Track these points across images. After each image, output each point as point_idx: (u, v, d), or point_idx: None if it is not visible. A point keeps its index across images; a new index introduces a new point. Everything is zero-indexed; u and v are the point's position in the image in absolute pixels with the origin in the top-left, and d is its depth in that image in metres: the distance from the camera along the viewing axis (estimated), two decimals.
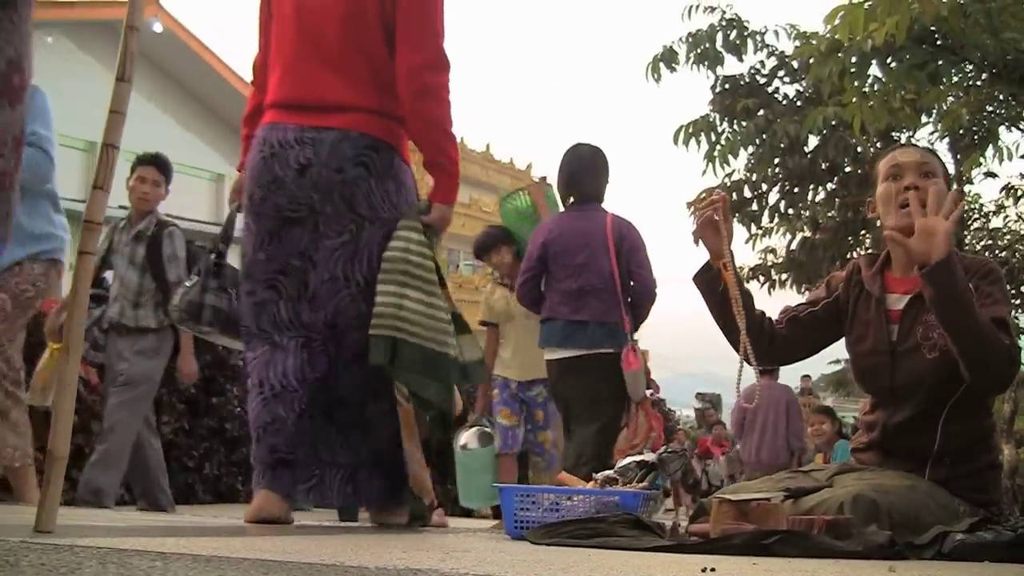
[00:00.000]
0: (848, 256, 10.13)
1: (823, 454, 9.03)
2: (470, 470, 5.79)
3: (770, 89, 10.06)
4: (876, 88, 7.18)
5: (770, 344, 3.13)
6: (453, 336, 3.17)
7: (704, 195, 4.45)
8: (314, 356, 3.13)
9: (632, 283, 5.07)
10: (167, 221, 5.81)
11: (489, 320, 6.25)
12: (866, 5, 5.87)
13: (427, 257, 3.13)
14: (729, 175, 10.13)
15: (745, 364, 3.03)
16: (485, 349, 5.61)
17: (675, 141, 9.12)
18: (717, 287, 3.08)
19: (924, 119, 8.29)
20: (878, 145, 9.50)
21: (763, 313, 3.18)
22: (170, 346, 5.76)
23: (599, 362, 4.92)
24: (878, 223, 3.17)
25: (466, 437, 5.63)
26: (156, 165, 5.81)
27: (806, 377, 16.04)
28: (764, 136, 9.39)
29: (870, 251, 5.73)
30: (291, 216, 3.12)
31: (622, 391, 4.96)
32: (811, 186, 10.46)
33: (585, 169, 5.19)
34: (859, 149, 9.67)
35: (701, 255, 3.10)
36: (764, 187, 10.35)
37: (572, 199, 5.21)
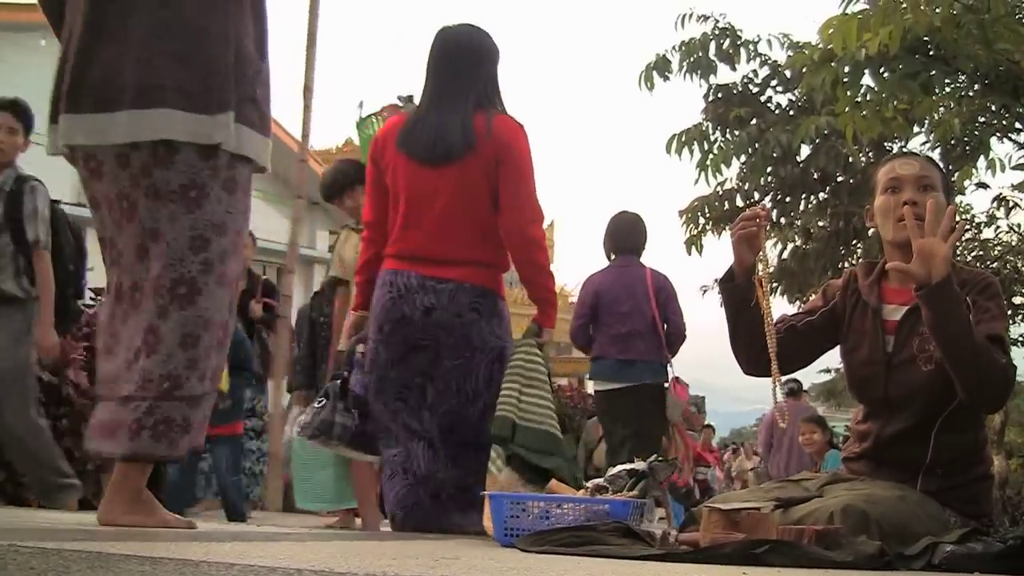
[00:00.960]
0: (840, 266, 10.12)
1: (814, 464, 9.04)
2: (306, 464, 5.22)
3: (763, 98, 10.05)
4: (869, 98, 7.17)
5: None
6: (558, 428, 3.79)
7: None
8: (435, 453, 3.83)
9: (667, 327, 6.21)
10: (28, 176, 5.20)
11: (340, 276, 5.39)
12: (859, 16, 5.88)
13: (542, 366, 3.81)
14: (721, 184, 10.12)
15: (776, 384, 3.01)
16: (337, 312, 5.38)
17: (668, 150, 9.12)
18: (740, 297, 3.04)
19: (916, 129, 8.27)
20: (870, 155, 9.50)
21: None
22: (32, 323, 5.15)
23: (641, 391, 6.10)
24: (870, 232, 3.17)
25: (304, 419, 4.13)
26: (12, 111, 5.20)
27: (804, 392, 16.21)
28: (756, 145, 9.38)
29: (862, 260, 5.73)
30: (418, 344, 3.79)
31: (661, 414, 6.15)
32: (803, 195, 10.45)
33: (627, 231, 6.46)
34: (851, 159, 9.67)
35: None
36: (756, 196, 10.33)
37: (615, 254, 6.42)
